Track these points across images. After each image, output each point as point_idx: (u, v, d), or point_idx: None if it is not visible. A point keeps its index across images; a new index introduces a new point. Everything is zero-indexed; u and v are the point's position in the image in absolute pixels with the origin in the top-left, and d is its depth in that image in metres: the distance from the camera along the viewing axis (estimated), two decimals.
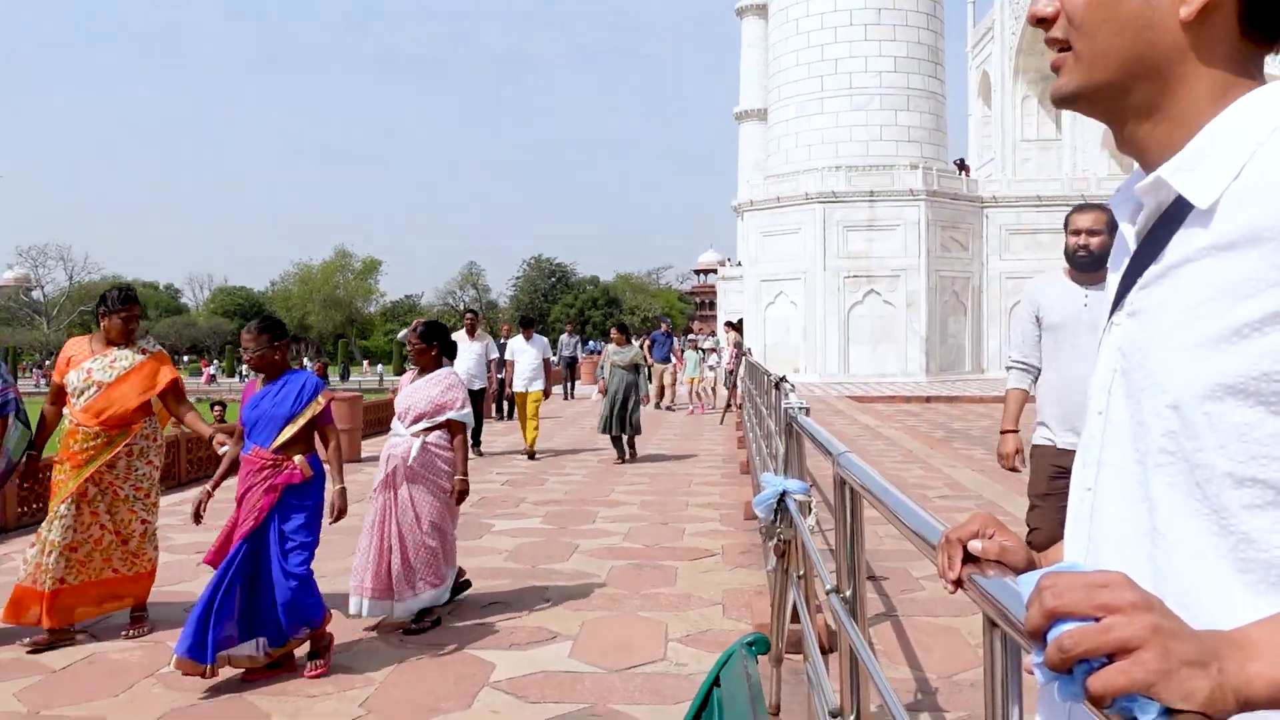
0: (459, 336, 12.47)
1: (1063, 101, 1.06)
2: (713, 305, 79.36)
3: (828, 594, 2.35)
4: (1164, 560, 0.97)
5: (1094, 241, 3.95)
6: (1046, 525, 3.97)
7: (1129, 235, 1.10)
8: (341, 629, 5.15)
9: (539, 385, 13.12)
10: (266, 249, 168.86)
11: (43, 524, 5.12)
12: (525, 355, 13.31)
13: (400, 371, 17.01)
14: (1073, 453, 3.67)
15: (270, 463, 4.61)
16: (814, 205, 29.44)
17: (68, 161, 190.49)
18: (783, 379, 5.85)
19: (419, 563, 5.24)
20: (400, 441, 5.42)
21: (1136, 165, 1.09)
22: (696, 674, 4.39)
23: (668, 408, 21.13)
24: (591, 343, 72.43)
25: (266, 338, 4.77)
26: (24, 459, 5.28)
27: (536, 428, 12.98)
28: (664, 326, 23.58)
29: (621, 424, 12.14)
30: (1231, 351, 0.90)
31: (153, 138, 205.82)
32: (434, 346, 5.67)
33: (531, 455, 12.71)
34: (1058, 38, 1.03)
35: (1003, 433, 4.50)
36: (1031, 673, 0.82)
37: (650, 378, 22.34)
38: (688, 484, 10.51)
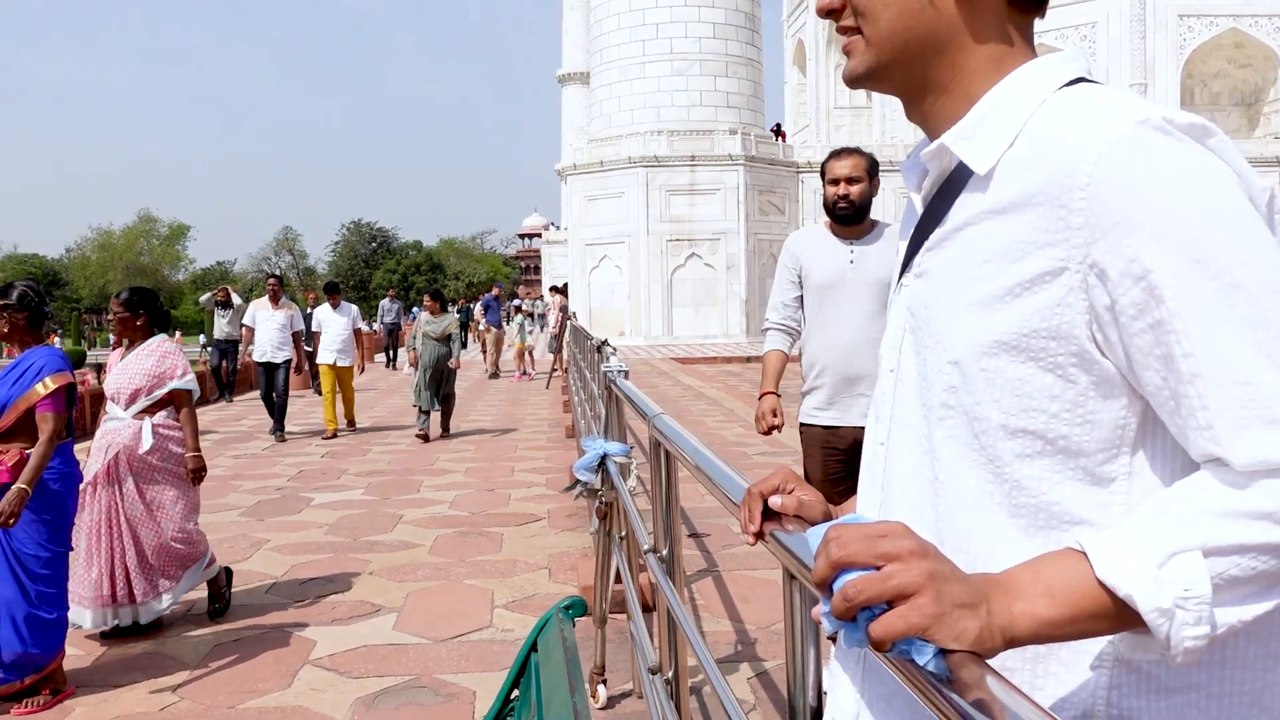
0: (261, 304, 11.85)
1: (855, 81, 1.11)
2: (538, 269, 79.07)
3: (645, 554, 2.38)
4: (945, 508, 1.03)
5: (854, 190, 3.65)
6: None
7: (916, 201, 1.15)
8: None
9: (348, 358, 12.08)
10: (60, 213, 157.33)
11: None
12: (333, 325, 12.09)
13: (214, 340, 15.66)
14: (841, 429, 3.74)
15: None
16: (637, 169, 29.61)
17: None
18: (604, 343, 5.89)
19: (160, 560, 4.69)
20: (120, 427, 4.75)
21: (923, 134, 1.13)
22: (523, 639, 4.39)
23: (493, 375, 20.85)
24: (415, 309, 71.02)
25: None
26: None
27: (353, 398, 12.34)
28: (495, 290, 23.09)
29: (435, 398, 11.41)
30: (1005, 310, 0.96)
31: None
32: (141, 315, 4.93)
33: (342, 430, 11.92)
34: (848, 25, 1.08)
35: (761, 395, 4.03)
36: (819, 622, 0.85)
37: (473, 344, 22.13)
38: (513, 450, 10.48)
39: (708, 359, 23.74)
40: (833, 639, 0.87)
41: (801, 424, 3.92)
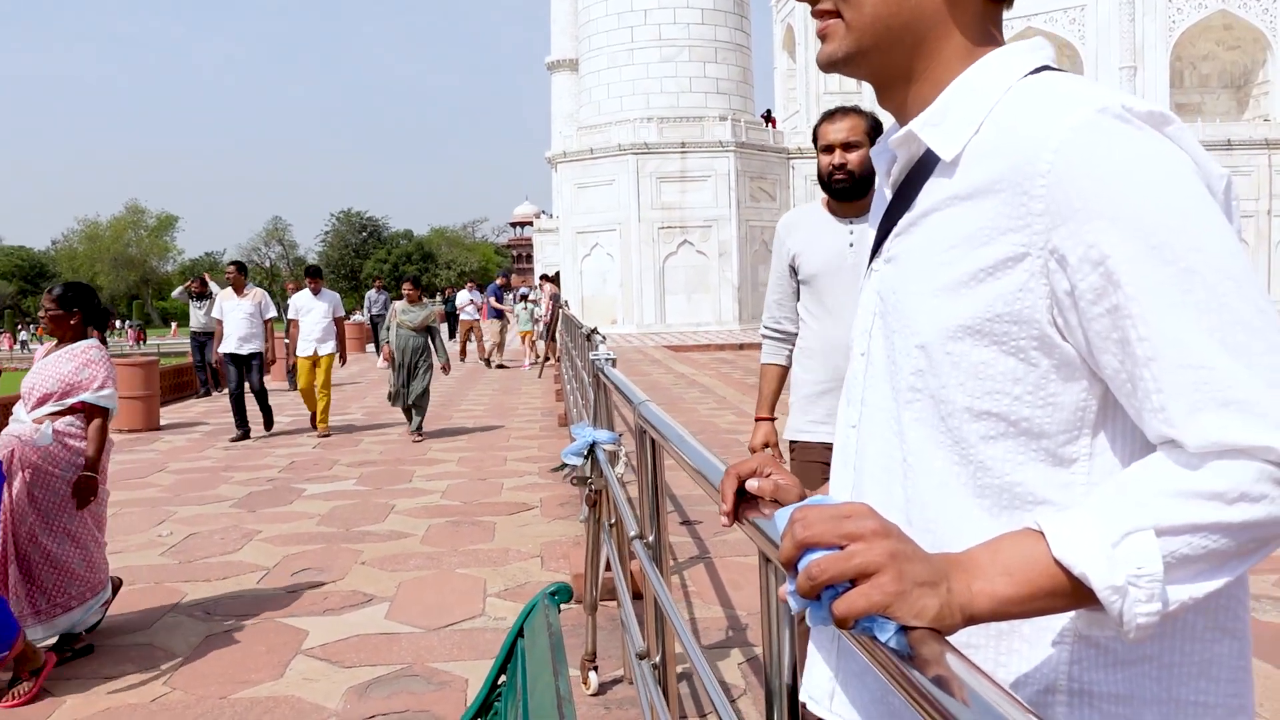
0: (227, 293, 11.04)
1: (832, 66, 1.11)
2: (530, 258, 78.97)
3: (632, 540, 2.40)
4: (914, 488, 1.06)
5: (853, 158, 3.02)
6: None
7: (885, 186, 1.17)
8: (141, 599, 4.93)
9: (329, 347, 11.05)
10: (46, 205, 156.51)
11: None
12: (312, 313, 11.11)
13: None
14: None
15: None
16: (627, 156, 29.58)
17: None
18: (594, 331, 5.91)
19: (49, 580, 4.29)
20: (19, 428, 4.36)
21: (892, 121, 1.15)
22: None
23: (499, 365, 20.57)
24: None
25: None
26: None
27: (329, 397, 11.16)
28: (501, 279, 22.70)
29: (407, 396, 10.47)
30: (969, 295, 0.98)
31: None
32: (75, 314, 4.57)
33: (324, 433, 10.95)
34: (827, 8, 1.08)
35: (756, 420, 3.40)
36: (785, 600, 0.87)
37: (464, 336, 22.06)
38: (506, 439, 10.49)
39: (700, 346, 23.77)
40: (802, 619, 0.89)
41: (792, 442, 3.24)
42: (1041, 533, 0.86)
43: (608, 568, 3.85)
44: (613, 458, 3.53)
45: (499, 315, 21.10)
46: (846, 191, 3.06)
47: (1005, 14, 1.12)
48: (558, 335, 17.65)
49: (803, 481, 2.98)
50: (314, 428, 11.17)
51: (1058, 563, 0.84)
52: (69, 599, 4.33)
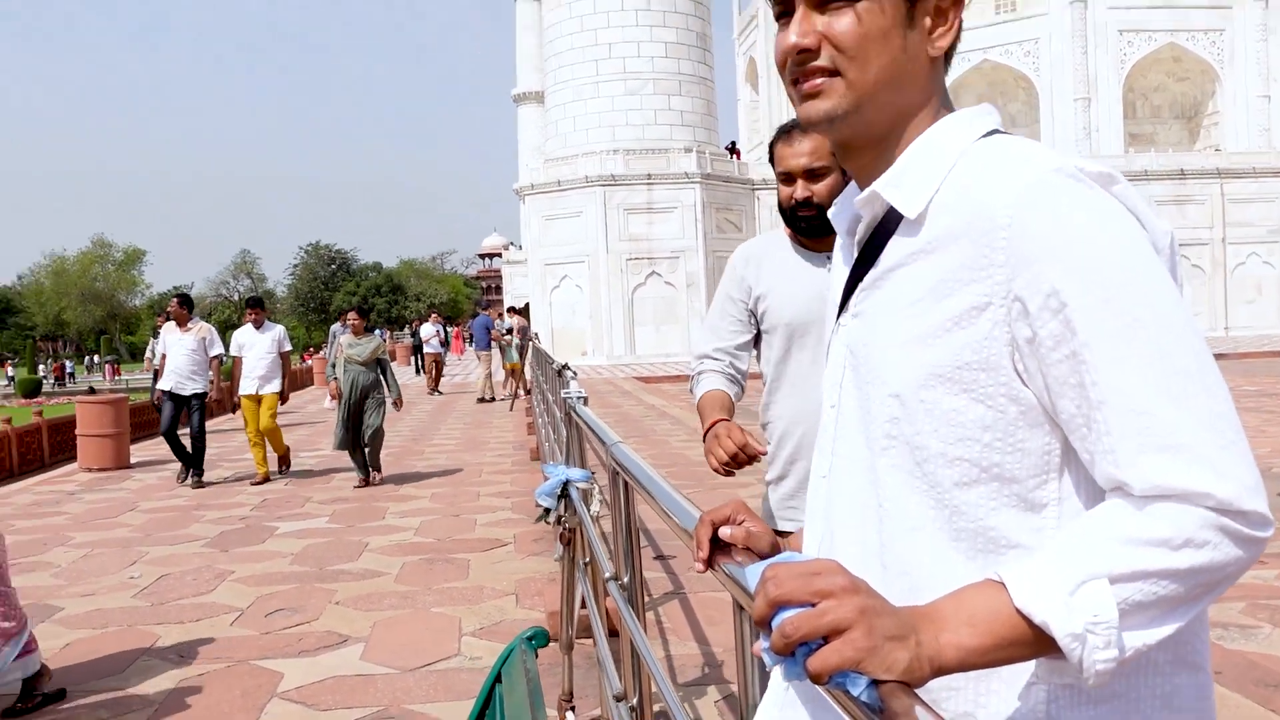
0: (169, 327, 10.46)
1: (829, 123, 1.11)
2: (499, 290, 78.87)
3: (606, 581, 2.44)
4: (889, 534, 1.10)
5: (819, 189, 2.47)
6: None
7: (849, 244, 1.23)
8: (114, 642, 4.89)
9: (274, 385, 10.33)
10: (11, 239, 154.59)
11: None
12: (255, 347, 10.35)
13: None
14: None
15: None
16: (594, 188, 29.78)
17: None
18: (565, 366, 5.94)
19: None
20: None
21: (852, 182, 1.22)
22: (490, 667, 4.42)
23: (489, 399, 19.82)
24: (379, 330, 70.50)
25: None
26: None
27: (279, 432, 10.55)
28: (490, 310, 22.15)
29: (359, 437, 9.70)
30: (938, 344, 1.04)
31: None
32: None
33: (268, 477, 10.29)
34: (824, 66, 1.09)
35: (708, 428, 2.52)
36: (760, 656, 0.92)
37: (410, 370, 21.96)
38: (479, 474, 10.48)
39: (670, 378, 23.82)
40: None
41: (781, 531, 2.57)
42: (1003, 583, 0.91)
43: (583, 605, 3.88)
44: (586, 496, 3.57)
45: (487, 346, 20.50)
46: (816, 229, 2.52)
47: (960, 48, 1.19)
48: (528, 368, 17.65)
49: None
50: (281, 464, 10.76)
51: (1019, 612, 0.88)
52: None
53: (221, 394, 10.70)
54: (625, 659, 2.39)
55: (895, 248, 1.11)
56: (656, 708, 3.55)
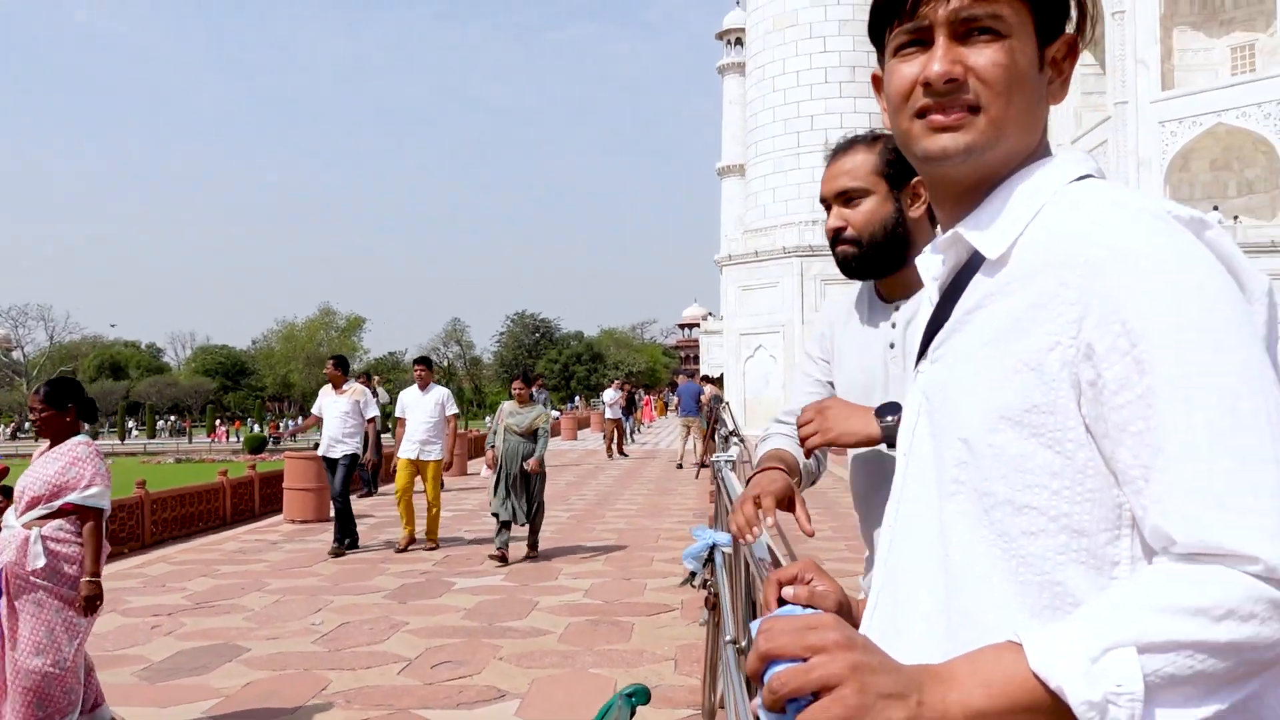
0: (325, 390, 10.30)
1: (967, 156, 1.06)
2: (696, 359, 79.58)
3: (726, 644, 2.37)
4: (955, 581, 1.04)
5: (856, 217, 2.11)
6: None
7: (932, 290, 1.17)
8: (289, 685, 5.11)
9: (435, 452, 10.00)
10: (249, 307, 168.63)
11: None
12: (418, 410, 10.03)
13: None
14: None
15: None
16: (791, 259, 29.75)
17: (47, 220, 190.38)
18: (732, 433, 5.90)
19: (17, 698, 4.01)
20: (9, 536, 4.17)
21: (938, 230, 1.16)
22: None
23: (700, 465, 18.94)
24: (575, 399, 72.48)
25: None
26: None
27: (438, 507, 10.16)
28: (697, 378, 22.31)
29: (520, 509, 9.14)
30: (1007, 386, 0.99)
31: (132, 194, 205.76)
32: (69, 410, 4.31)
33: (413, 538, 9.87)
34: (969, 100, 1.05)
35: (759, 472, 2.13)
36: (756, 715, 0.86)
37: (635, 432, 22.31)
38: (655, 539, 10.48)
39: None
40: None
41: None
42: (1021, 644, 0.84)
43: None
44: (729, 561, 3.49)
45: (696, 413, 20.45)
46: (857, 267, 2.15)
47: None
48: (716, 436, 17.63)
49: None
50: (430, 541, 10.00)
51: (1035, 675, 0.81)
52: (39, 717, 4.05)
53: (370, 457, 10.34)
54: None
55: (975, 289, 1.06)
56: None
